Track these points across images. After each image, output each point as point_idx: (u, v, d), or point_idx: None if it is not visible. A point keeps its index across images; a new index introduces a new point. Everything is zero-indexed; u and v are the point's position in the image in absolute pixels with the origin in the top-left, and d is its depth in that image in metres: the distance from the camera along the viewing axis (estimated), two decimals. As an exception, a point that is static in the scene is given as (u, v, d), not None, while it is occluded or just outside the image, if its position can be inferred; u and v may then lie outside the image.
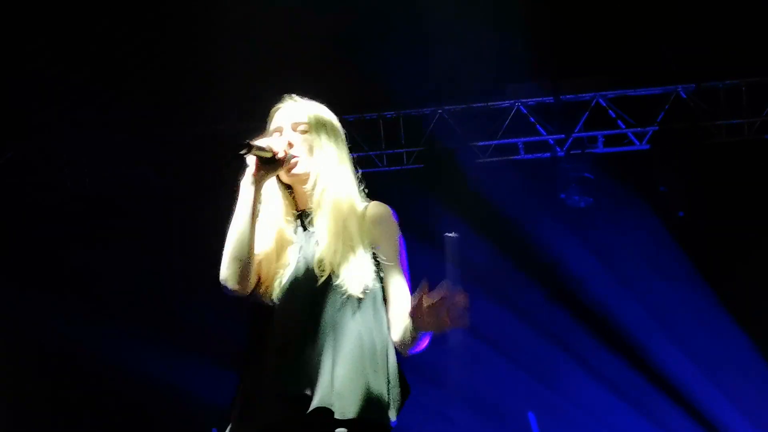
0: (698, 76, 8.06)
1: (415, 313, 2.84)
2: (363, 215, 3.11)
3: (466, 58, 7.64)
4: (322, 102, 3.25)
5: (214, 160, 8.46)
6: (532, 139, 8.52)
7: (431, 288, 2.80)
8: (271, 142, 3.03)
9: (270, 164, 3.00)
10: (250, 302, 3.04)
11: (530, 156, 8.58)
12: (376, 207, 3.15)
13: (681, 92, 8.16)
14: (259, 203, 3.03)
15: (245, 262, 2.95)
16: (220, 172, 3.07)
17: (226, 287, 2.98)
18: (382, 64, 6.81)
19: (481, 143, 8.48)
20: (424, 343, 2.99)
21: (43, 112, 8.42)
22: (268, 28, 7.19)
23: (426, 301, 2.80)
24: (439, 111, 8.42)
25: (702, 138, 8.06)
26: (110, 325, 8.41)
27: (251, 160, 2.99)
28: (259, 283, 3.02)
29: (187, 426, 8.56)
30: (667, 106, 8.17)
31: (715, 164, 7.99)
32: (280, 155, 3.01)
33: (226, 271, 2.96)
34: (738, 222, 8.04)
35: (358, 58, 6.83)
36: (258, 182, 2.99)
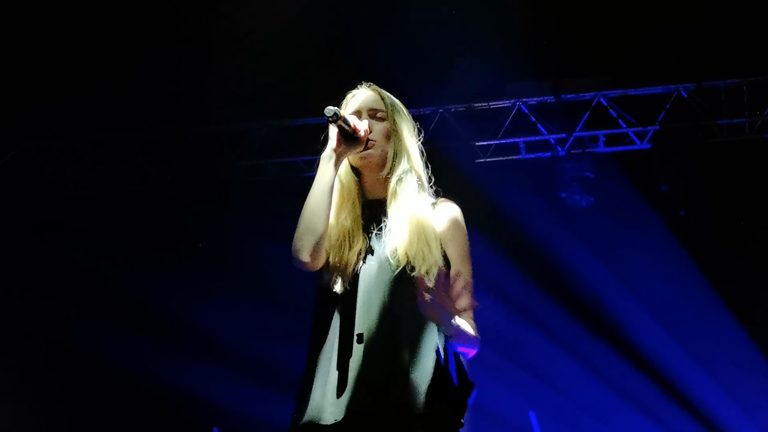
0: (699, 75, 8.06)
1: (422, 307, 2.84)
2: (434, 211, 3.09)
3: (467, 58, 7.64)
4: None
5: (214, 159, 8.47)
6: (533, 138, 8.51)
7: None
8: (354, 119, 3.02)
9: (350, 141, 2.99)
10: (316, 288, 2.99)
11: (531, 155, 8.57)
12: (448, 206, 3.14)
13: (682, 91, 8.16)
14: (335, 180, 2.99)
15: (319, 235, 2.92)
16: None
17: (297, 260, 2.93)
18: (382, 63, 6.80)
19: (482, 143, 8.48)
20: (469, 347, 3.00)
21: (44, 112, 8.43)
22: (268, 27, 7.20)
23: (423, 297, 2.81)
24: (440, 110, 8.42)
25: (703, 137, 8.06)
26: (111, 325, 8.41)
27: (334, 132, 2.99)
28: (329, 269, 2.97)
29: (188, 425, 8.56)
30: (668, 106, 8.17)
31: (716, 163, 7.99)
32: (361, 134, 3.01)
33: (299, 243, 2.92)
34: (739, 221, 8.04)
35: (358, 57, 6.82)
36: (338, 157, 2.99)
